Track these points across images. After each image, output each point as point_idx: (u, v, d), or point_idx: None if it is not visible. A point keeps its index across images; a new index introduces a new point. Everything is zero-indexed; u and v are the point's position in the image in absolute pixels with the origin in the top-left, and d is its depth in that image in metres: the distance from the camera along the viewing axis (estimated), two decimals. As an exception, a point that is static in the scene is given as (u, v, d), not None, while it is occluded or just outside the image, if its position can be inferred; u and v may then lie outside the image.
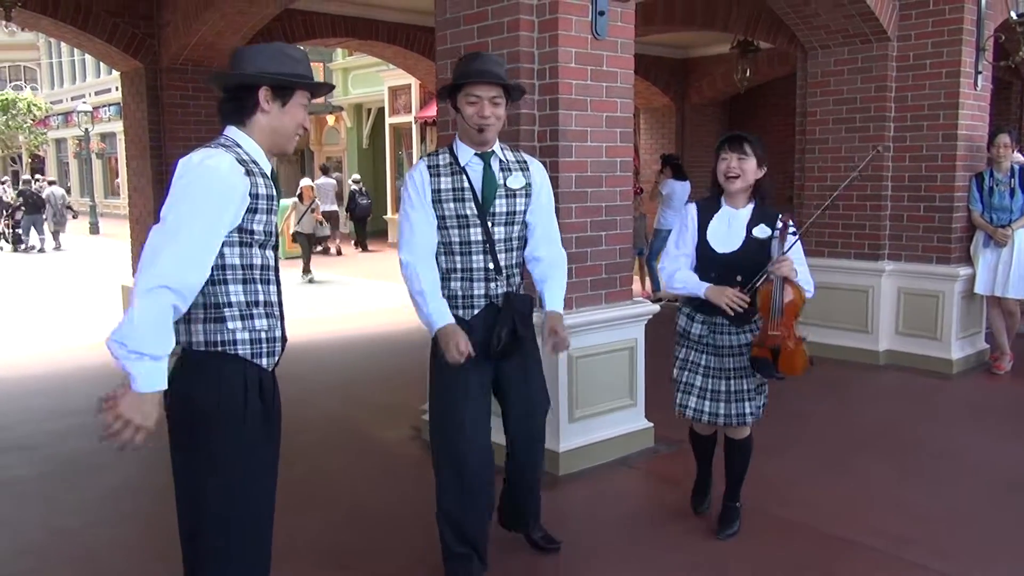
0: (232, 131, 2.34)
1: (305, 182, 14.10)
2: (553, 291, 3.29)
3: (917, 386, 6.35)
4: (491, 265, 3.11)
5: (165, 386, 2.15)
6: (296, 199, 13.71)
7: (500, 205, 3.12)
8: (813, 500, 4.14)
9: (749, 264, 3.45)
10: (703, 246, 3.54)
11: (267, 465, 2.38)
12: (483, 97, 3.04)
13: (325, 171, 19.54)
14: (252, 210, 2.25)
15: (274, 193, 2.33)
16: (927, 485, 4.36)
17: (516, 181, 3.16)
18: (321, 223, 13.81)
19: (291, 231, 13.70)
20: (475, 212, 3.08)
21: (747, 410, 3.57)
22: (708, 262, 3.51)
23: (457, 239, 3.10)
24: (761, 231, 3.47)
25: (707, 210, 3.56)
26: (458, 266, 3.12)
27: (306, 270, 13.37)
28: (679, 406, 3.66)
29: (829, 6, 6.52)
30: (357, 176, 19.85)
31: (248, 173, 2.24)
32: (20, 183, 20.08)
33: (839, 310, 7.08)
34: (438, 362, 3.14)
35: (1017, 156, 6.63)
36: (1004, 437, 5.13)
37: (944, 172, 6.63)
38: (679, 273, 3.55)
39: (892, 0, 6.64)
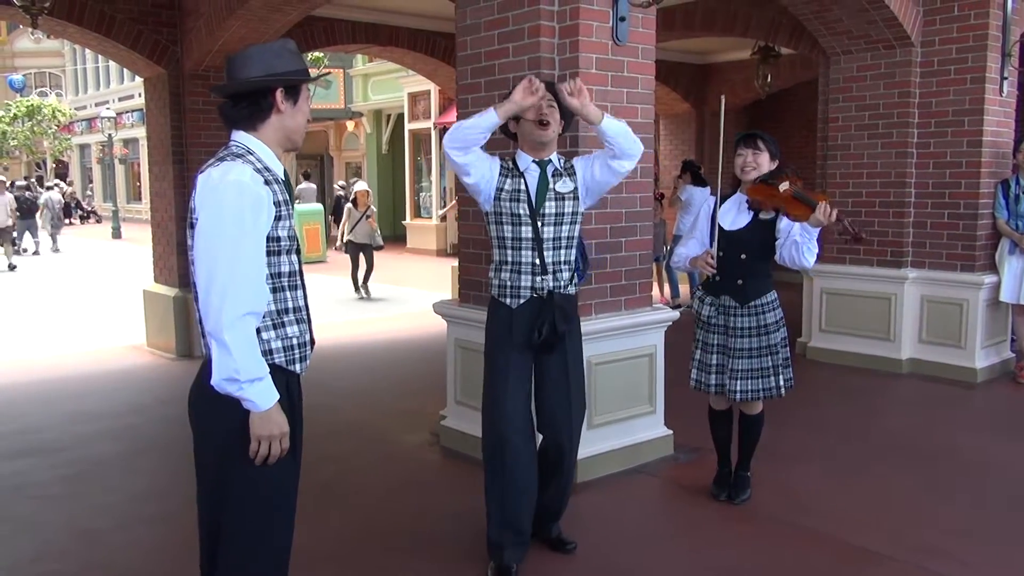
0: (242, 136, 2.31)
1: (360, 186, 12.40)
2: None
3: (941, 395, 6.28)
4: (537, 261, 3.39)
5: (278, 395, 2.22)
6: (350, 205, 12.24)
7: (549, 207, 3.41)
8: (836, 510, 4.09)
9: (755, 242, 3.87)
10: (717, 227, 3.97)
11: (290, 468, 2.37)
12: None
13: (307, 176, 19.92)
14: (277, 217, 2.25)
15: (285, 198, 2.31)
16: (952, 495, 4.30)
17: (565, 186, 3.44)
18: (377, 231, 12.33)
19: (343, 239, 12.35)
20: (527, 212, 3.38)
21: (754, 386, 3.92)
22: (719, 240, 3.92)
23: (509, 235, 3.41)
24: (766, 213, 3.86)
25: (725, 199, 4.03)
26: (508, 259, 3.42)
27: (364, 283, 12.15)
28: (695, 381, 4.08)
29: (852, 11, 6.48)
30: (342, 182, 20.33)
31: (266, 182, 2.23)
32: (15, 188, 19.94)
33: (861, 317, 7.02)
34: (487, 354, 3.49)
35: None
36: (1030, 447, 5.06)
37: (968, 179, 6.57)
38: (679, 250, 4.08)
39: (916, 5, 6.59)
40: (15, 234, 18.40)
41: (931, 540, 3.75)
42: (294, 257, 2.35)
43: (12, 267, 16.64)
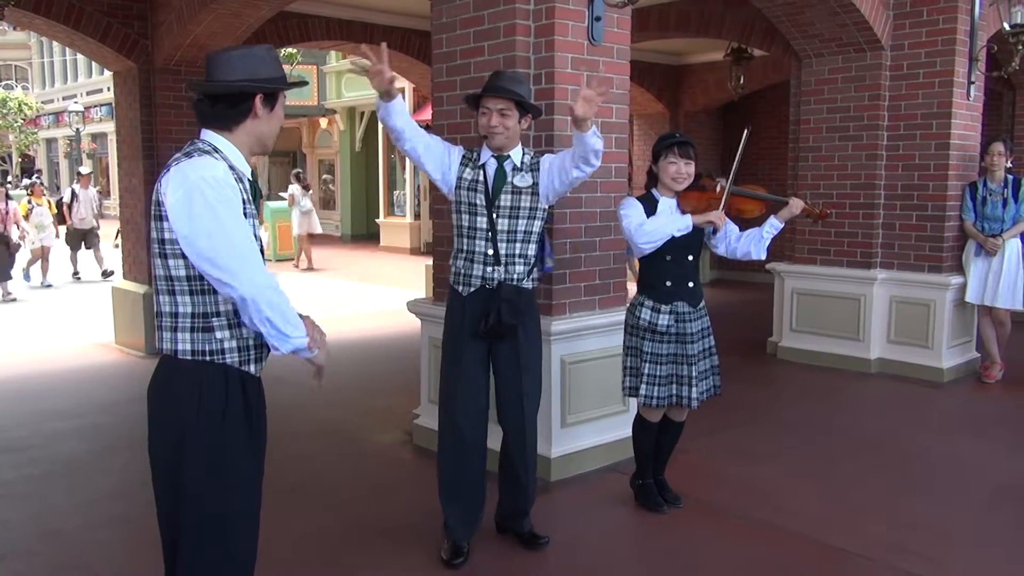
0: (210, 135, 2.29)
1: None
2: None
3: (908, 394, 6.37)
4: (491, 251, 3.47)
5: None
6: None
7: (505, 200, 3.48)
8: (804, 508, 4.14)
9: (696, 243, 3.87)
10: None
11: (250, 470, 2.32)
12: (492, 108, 3.43)
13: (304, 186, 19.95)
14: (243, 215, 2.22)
15: (249, 197, 2.29)
16: (919, 493, 4.37)
17: (523, 180, 3.51)
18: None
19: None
20: (483, 203, 3.48)
21: (707, 385, 3.90)
22: (665, 245, 3.76)
23: (466, 224, 3.52)
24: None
25: (648, 203, 3.85)
26: (464, 247, 3.53)
27: None
28: (645, 397, 3.84)
29: (824, 15, 6.55)
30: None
31: (234, 180, 2.21)
32: None
33: (831, 317, 7.10)
34: (443, 342, 3.62)
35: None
36: (995, 445, 5.15)
37: (936, 181, 6.67)
38: (647, 224, 3.73)
39: (886, 10, 6.68)
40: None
41: (900, 538, 3.80)
42: None
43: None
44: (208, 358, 2.22)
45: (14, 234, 11.79)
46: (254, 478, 2.36)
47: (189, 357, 2.22)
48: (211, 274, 2.15)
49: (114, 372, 7.31)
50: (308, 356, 2.29)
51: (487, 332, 3.45)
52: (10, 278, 11.67)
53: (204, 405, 2.21)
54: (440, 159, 3.53)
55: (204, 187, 2.14)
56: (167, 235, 2.19)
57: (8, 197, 12.01)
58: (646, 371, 3.83)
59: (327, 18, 8.84)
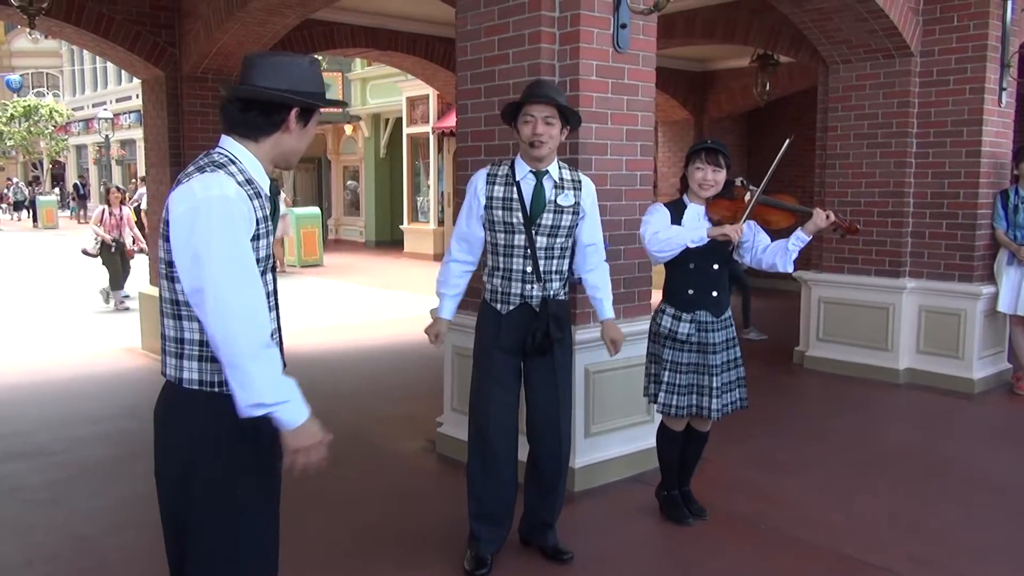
0: (231, 144, 2.14)
1: None
2: (606, 301, 3.69)
3: (938, 405, 6.27)
4: (529, 268, 3.42)
5: (308, 411, 2.09)
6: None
7: (547, 219, 3.42)
8: (832, 520, 4.07)
9: (723, 253, 3.79)
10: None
11: (262, 497, 2.23)
12: (536, 116, 3.33)
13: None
14: (255, 237, 2.08)
15: (268, 214, 2.13)
16: (947, 506, 4.29)
17: (566, 199, 3.46)
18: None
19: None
20: (521, 221, 3.40)
21: (731, 399, 3.84)
22: (687, 252, 3.73)
23: (502, 242, 3.45)
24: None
25: (676, 209, 3.85)
26: (501, 266, 3.47)
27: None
28: (663, 405, 3.84)
29: (852, 21, 6.48)
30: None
31: (248, 197, 2.06)
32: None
33: (859, 327, 7.01)
34: (475, 354, 3.57)
35: None
36: (1028, 459, 5.05)
37: (967, 189, 6.57)
38: (663, 232, 3.74)
39: (915, 15, 6.60)
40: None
41: (926, 551, 3.73)
42: (268, 276, 2.17)
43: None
44: (217, 389, 2.10)
45: (128, 240, 11.05)
46: (267, 504, 2.26)
47: (196, 387, 2.11)
48: (192, 301, 2.02)
49: (139, 377, 7.37)
50: (287, 430, 2.05)
51: (534, 350, 3.41)
52: (122, 287, 11.18)
53: (210, 434, 2.12)
54: (477, 227, 3.52)
55: (211, 209, 1.99)
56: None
57: (122, 203, 11.42)
58: (665, 379, 3.82)
59: (352, 25, 8.89)
